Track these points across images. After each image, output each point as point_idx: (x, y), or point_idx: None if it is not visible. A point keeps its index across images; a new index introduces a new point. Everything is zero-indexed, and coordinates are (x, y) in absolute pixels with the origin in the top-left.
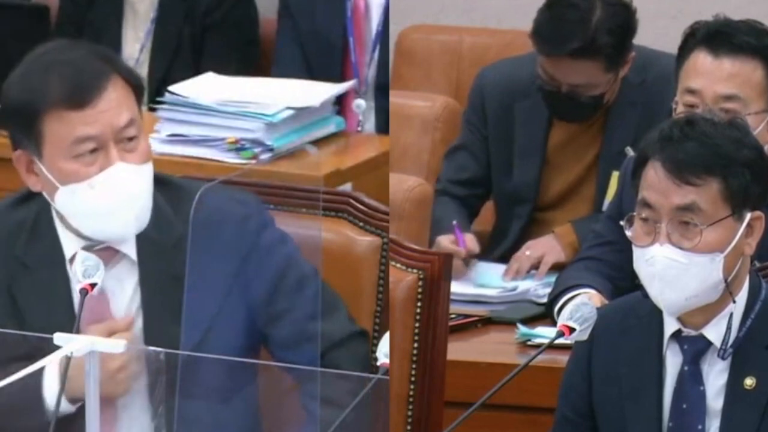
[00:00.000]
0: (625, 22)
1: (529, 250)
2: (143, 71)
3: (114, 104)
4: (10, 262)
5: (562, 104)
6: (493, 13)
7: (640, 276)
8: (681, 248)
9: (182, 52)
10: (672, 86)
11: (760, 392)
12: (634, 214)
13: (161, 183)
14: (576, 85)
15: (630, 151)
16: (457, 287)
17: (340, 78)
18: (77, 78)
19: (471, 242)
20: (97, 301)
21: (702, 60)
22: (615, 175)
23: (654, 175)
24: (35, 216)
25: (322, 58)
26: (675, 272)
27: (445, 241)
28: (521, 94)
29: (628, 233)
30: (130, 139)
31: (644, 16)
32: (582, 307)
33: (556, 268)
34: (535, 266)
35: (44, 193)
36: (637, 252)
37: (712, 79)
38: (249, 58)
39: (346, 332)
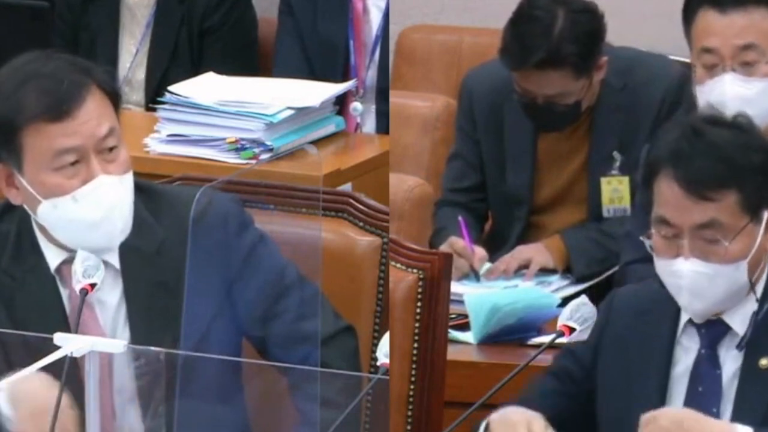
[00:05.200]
0: (591, 29)
1: (518, 253)
2: (140, 75)
3: (94, 115)
4: None
5: (541, 115)
6: (493, 13)
7: (665, 284)
8: (707, 261)
9: (179, 55)
10: (657, 89)
11: None
12: (653, 231)
13: (140, 190)
14: (550, 96)
15: (617, 156)
16: (457, 287)
17: (342, 80)
18: (55, 90)
19: (479, 251)
20: (85, 312)
21: (711, 18)
22: (604, 182)
23: (669, 192)
24: (17, 229)
25: (324, 59)
26: (703, 284)
27: (459, 244)
28: (509, 94)
29: (647, 244)
30: (111, 149)
31: (643, 16)
32: (582, 307)
33: (545, 272)
34: (523, 267)
35: (25, 206)
36: (660, 263)
37: (727, 35)
38: (247, 62)
39: (332, 329)
